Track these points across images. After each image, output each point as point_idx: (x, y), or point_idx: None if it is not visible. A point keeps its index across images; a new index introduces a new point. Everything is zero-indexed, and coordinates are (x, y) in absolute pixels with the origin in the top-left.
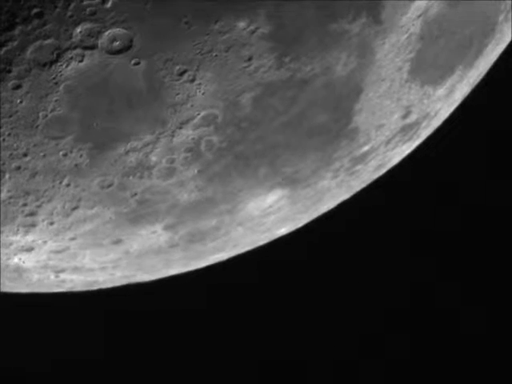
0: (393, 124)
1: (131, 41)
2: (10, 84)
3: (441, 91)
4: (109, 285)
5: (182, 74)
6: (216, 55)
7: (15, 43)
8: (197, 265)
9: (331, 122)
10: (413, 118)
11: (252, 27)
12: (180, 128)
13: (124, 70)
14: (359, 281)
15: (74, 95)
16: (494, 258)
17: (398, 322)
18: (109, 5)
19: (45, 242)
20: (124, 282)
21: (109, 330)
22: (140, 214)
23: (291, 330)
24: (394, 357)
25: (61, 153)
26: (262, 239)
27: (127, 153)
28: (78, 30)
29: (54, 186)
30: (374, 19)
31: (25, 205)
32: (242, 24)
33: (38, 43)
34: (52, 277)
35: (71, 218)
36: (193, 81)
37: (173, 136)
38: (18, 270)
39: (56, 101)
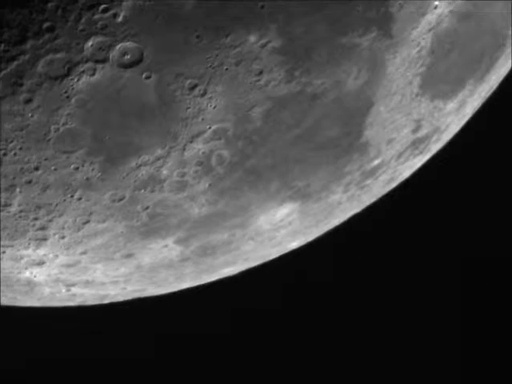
0: (403, 138)
1: (142, 54)
2: (22, 97)
3: (451, 105)
4: (120, 299)
5: (192, 87)
6: (227, 69)
7: (26, 57)
8: (208, 278)
9: (342, 135)
10: (423, 131)
11: (263, 41)
12: (191, 142)
13: (135, 83)
14: (368, 292)
15: (86, 109)
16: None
17: (402, 333)
18: (120, 19)
19: (56, 256)
20: (135, 295)
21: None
22: (151, 227)
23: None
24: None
25: (72, 166)
26: (273, 253)
27: (139, 167)
28: (90, 43)
29: (65, 200)
30: (384, 33)
31: (36, 219)
32: (252, 38)
33: (49, 57)
34: (63, 291)
35: (82, 231)
36: (204, 95)
37: (184, 150)
38: (30, 284)
39: (67, 114)
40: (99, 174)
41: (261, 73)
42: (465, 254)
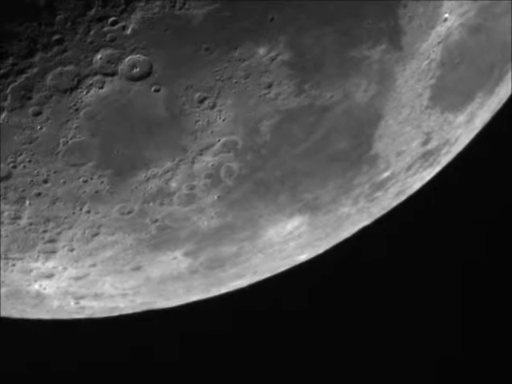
0: (413, 150)
1: (151, 67)
2: (31, 110)
3: (461, 118)
4: (129, 311)
5: (202, 100)
6: (236, 82)
7: (35, 70)
8: (217, 291)
9: (351, 148)
10: (433, 144)
11: (272, 54)
12: (200, 155)
13: (144, 96)
14: (375, 302)
15: (95, 122)
16: None
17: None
18: (129, 31)
19: (65, 269)
20: (144, 308)
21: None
22: (160, 240)
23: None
24: None
25: (81, 179)
26: (283, 266)
27: (147, 179)
28: (98, 56)
29: (74, 213)
30: (394, 45)
31: (45, 231)
32: (261, 51)
33: (58, 70)
34: (72, 303)
35: (91, 244)
36: (213, 108)
37: (193, 163)
38: (39, 297)
39: (76, 127)
40: (108, 187)
41: (270, 86)
42: (474, 265)
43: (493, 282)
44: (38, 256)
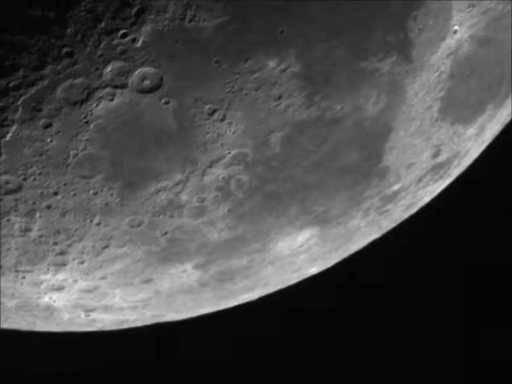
0: (423, 163)
1: (161, 80)
2: (41, 123)
3: (471, 130)
4: (139, 324)
5: (212, 112)
6: (246, 94)
7: (46, 82)
8: (227, 304)
9: (361, 160)
10: (443, 156)
11: (282, 66)
12: (210, 167)
13: (154, 108)
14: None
15: (105, 134)
16: None
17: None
18: (139, 44)
19: (75, 281)
20: (154, 321)
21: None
22: (170, 252)
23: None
24: None
25: (91, 192)
26: (293, 278)
27: (158, 192)
28: (109, 69)
29: (84, 225)
30: (404, 58)
31: (55, 244)
32: (271, 63)
33: (68, 82)
34: (82, 316)
35: (101, 256)
36: (223, 120)
37: (203, 175)
38: (49, 309)
39: (86, 140)
40: (118, 199)
41: (280, 98)
42: (484, 276)
43: (500, 292)
44: (48, 268)
